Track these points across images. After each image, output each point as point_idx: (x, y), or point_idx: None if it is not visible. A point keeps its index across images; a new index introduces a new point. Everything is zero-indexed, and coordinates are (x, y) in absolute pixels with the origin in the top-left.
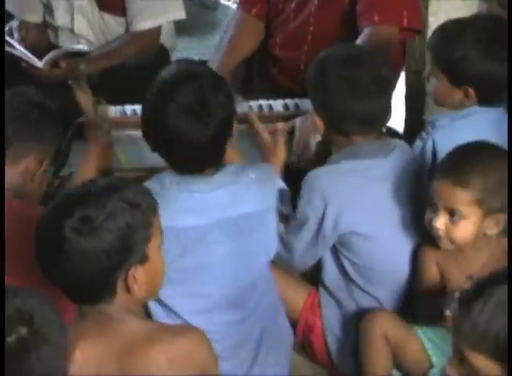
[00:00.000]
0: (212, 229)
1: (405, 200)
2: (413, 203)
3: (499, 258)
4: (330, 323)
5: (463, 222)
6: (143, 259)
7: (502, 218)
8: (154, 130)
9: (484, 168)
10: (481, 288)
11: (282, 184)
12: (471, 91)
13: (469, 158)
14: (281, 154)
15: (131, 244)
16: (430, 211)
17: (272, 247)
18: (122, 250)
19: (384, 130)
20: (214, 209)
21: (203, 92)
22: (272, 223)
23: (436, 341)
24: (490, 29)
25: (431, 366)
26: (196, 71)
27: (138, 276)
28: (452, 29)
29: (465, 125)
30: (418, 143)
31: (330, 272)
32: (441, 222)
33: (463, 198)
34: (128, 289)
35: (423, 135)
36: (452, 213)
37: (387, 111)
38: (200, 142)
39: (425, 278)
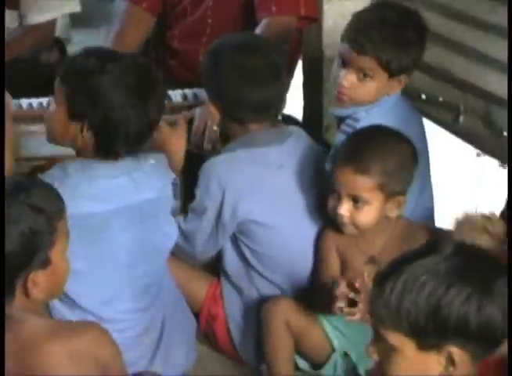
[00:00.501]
0: (116, 216)
1: (304, 187)
2: (313, 189)
3: (398, 239)
4: (233, 312)
5: (366, 208)
6: (45, 264)
7: (403, 199)
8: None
9: (383, 153)
10: (392, 268)
11: (173, 176)
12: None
13: (367, 144)
14: (181, 145)
15: (33, 250)
16: (333, 199)
17: (174, 233)
18: (23, 255)
19: (280, 117)
20: (118, 196)
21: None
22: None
23: (338, 327)
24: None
25: (333, 350)
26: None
27: (39, 280)
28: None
29: (378, 113)
30: (341, 137)
31: (231, 260)
32: (345, 209)
33: (365, 184)
34: (26, 292)
35: (345, 128)
36: (355, 199)
37: (281, 99)
38: (139, 128)
39: (325, 265)
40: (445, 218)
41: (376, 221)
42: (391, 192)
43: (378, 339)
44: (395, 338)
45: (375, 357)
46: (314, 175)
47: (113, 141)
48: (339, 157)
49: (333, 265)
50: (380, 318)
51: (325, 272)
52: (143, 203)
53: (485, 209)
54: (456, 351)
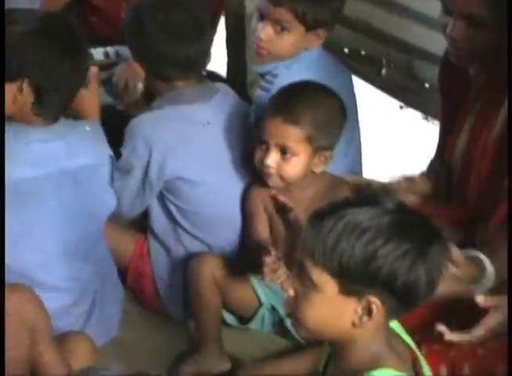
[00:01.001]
0: (49, 181)
1: (232, 143)
2: (241, 146)
3: (323, 195)
4: (160, 269)
5: (293, 159)
6: None
7: (330, 155)
8: None
9: (313, 106)
10: (335, 208)
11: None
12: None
13: (299, 96)
14: (94, 104)
15: None
16: (260, 150)
17: (111, 202)
18: None
19: (205, 74)
20: (52, 160)
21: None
22: (109, 179)
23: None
24: None
25: (260, 304)
26: None
27: None
28: None
29: (300, 69)
30: (260, 93)
31: (158, 218)
32: (272, 160)
33: (294, 135)
34: None
35: (265, 84)
36: (283, 150)
37: (205, 54)
38: (70, 86)
39: (254, 224)
40: (369, 171)
41: (302, 174)
42: (319, 146)
43: (300, 274)
44: (320, 276)
45: (290, 292)
46: (241, 131)
47: (50, 98)
48: (269, 107)
49: (262, 223)
50: (310, 252)
51: (254, 233)
52: (78, 169)
53: (408, 160)
54: (375, 302)
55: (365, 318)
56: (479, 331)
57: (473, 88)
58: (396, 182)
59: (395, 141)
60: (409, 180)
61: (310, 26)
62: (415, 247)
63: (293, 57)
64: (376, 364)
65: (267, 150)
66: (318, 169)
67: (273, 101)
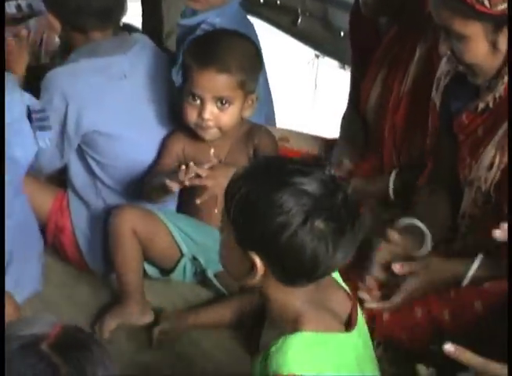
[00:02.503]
0: None
1: (151, 96)
2: (161, 99)
3: (242, 141)
4: (80, 224)
5: (230, 108)
6: None
7: (255, 98)
8: None
9: (238, 51)
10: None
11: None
12: None
13: (222, 44)
14: (22, 58)
15: None
16: (193, 106)
17: (30, 148)
18: None
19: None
20: None
21: None
22: (28, 132)
23: (186, 231)
24: None
25: (182, 255)
26: None
27: None
28: None
29: (230, 19)
30: None
31: (77, 173)
32: (210, 113)
33: (229, 83)
34: None
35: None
36: (220, 101)
37: (121, 4)
38: None
39: (166, 155)
40: (283, 119)
41: (237, 121)
42: (248, 90)
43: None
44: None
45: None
46: (162, 84)
47: None
48: (192, 61)
49: (170, 159)
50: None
51: (162, 171)
52: None
53: (324, 109)
54: (256, 259)
55: (254, 272)
56: (397, 298)
57: (384, 39)
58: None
59: (312, 90)
60: (336, 165)
61: None
62: (299, 217)
63: (222, 6)
64: (296, 327)
65: (202, 104)
66: (246, 114)
67: (195, 53)
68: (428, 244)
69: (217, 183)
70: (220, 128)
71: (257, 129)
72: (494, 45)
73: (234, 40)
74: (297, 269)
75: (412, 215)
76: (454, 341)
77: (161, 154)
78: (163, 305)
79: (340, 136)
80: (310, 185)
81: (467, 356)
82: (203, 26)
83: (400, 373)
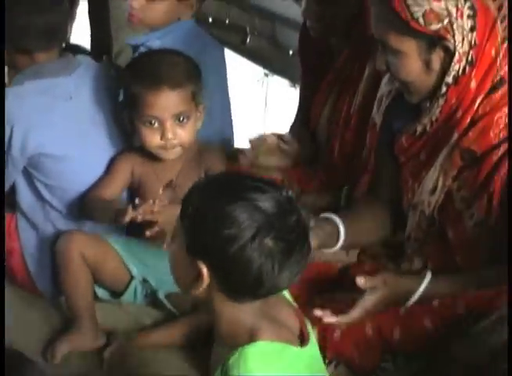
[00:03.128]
0: None
1: (97, 117)
2: (108, 119)
3: (194, 161)
4: (29, 247)
5: (189, 123)
6: None
7: (203, 108)
8: None
9: (182, 64)
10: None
11: None
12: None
13: (166, 60)
14: None
15: None
16: (151, 129)
17: None
18: None
19: (68, 47)
20: None
21: None
22: None
23: (135, 253)
24: None
25: (132, 277)
26: None
27: None
28: None
29: (173, 40)
30: None
31: (24, 195)
32: (172, 132)
33: (184, 98)
34: None
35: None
36: (178, 118)
37: (65, 24)
38: None
39: (111, 178)
40: (236, 139)
41: (195, 135)
42: (198, 101)
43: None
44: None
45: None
46: (108, 104)
47: None
48: (140, 87)
49: (119, 182)
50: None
51: (108, 188)
52: None
53: (274, 127)
54: (203, 268)
55: (200, 281)
56: (356, 313)
57: (337, 61)
58: (266, 138)
59: (263, 108)
60: (279, 138)
61: None
62: (249, 232)
63: (166, 28)
64: (252, 338)
65: (162, 125)
66: (198, 125)
67: (141, 78)
68: (342, 237)
69: (167, 220)
70: (182, 145)
71: (208, 150)
72: (427, 64)
73: (173, 55)
74: (242, 283)
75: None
76: (406, 358)
77: (109, 175)
78: (114, 326)
79: None
80: (265, 202)
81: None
82: (142, 48)
83: None
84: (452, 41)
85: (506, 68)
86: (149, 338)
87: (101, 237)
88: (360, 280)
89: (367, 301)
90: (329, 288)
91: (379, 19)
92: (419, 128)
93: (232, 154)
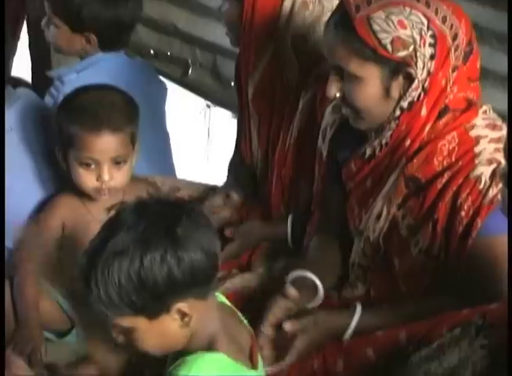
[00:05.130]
0: None
1: (34, 150)
2: (45, 153)
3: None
4: None
5: (125, 167)
6: None
7: (138, 147)
8: None
9: (120, 104)
10: (88, 262)
11: None
12: (93, 37)
13: (103, 100)
14: None
15: None
16: (87, 170)
17: None
18: None
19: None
20: None
21: None
22: None
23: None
24: None
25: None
26: None
27: None
28: None
29: (92, 74)
30: (48, 100)
31: None
32: (109, 175)
33: (123, 141)
34: None
35: (52, 90)
36: (116, 162)
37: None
38: None
39: (46, 229)
40: (177, 170)
41: (130, 176)
42: (134, 140)
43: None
44: (128, 321)
45: (121, 339)
46: (46, 138)
47: None
48: (78, 128)
49: (52, 232)
50: (103, 311)
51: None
52: None
53: (215, 158)
54: (180, 305)
55: (186, 320)
56: (291, 358)
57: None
58: (212, 199)
59: (205, 140)
60: (223, 196)
61: (71, 27)
62: (167, 245)
63: (87, 61)
64: (211, 347)
65: (99, 167)
66: (134, 162)
67: (78, 119)
68: (320, 295)
69: None
70: (117, 187)
71: (142, 184)
72: (387, 91)
73: (110, 94)
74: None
75: (303, 264)
76: None
77: (40, 223)
78: (55, 359)
79: (228, 179)
80: None
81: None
82: (56, 82)
83: None
84: (415, 68)
85: (451, 97)
86: (89, 367)
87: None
88: (286, 326)
89: (299, 344)
90: None
91: (339, 45)
92: (368, 151)
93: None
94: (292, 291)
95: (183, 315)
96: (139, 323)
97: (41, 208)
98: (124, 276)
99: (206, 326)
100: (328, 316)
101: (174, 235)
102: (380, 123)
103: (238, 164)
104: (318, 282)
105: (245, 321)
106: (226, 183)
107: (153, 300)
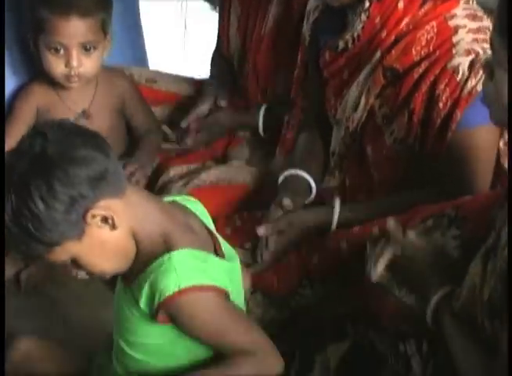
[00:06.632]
0: None
1: (9, 36)
2: (19, 39)
3: (104, 87)
4: None
5: (95, 53)
6: None
7: (110, 38)
8: None
9: None
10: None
11: None
12: None
13: None
14: None
15: None
16: (55, 56)
17: None
18: None
19: None
20: None
21: None
22: None
23: None
24: None
25: None
26: None
27: None
28: None
29: None
30: None
31: None
32: (77, 60)
33: (92, 26)
34: None
35: None
36: (85, 47)
37: None
38: None
39: (15, 117)
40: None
41: (100, 65)
42: (107, 30)
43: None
44: (62, 253)
45: (82, 274)
46: (19, 24)
47: None
48: (48, 12)
49: (22, 126)
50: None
51: (13, 137)
52: None
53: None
54: (92, 211)
55: (110, 221)
56: (267, 258)
57: None
58: (201, 106)
59: (182, 31)
60: (212, 102)
61: None
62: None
63: None
64: (168, 249)
65: (68, 53)
66: (105, 55)
67: (49, 3)
68: (313, 192)
69: None
70: (86, 75)
71: (119, 76)
72: None
73: None
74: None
75: (291, 160)
76: (322, 285)
77: (12, 119)
78: None
79: (211, 76)
80: None
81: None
82: None
83: (266, 314)
84: None
85: None
86: None
87: None
88: (259, 230)
89: (277, 245)
90: (247, 207)
91: None
92: (341, 44)
93: None
94: (287, 202)
95: (104, 218)
96: (73, 249)
97: (15, 96)
98: (25, 214)
99: (146, 222)
100: (304, 214)
101: (50, 157)
102: (350, 5)
103: (219, 57)
104: (311, 180)
105: (210, 223)
106: (210, 76)
107: (66, 222)
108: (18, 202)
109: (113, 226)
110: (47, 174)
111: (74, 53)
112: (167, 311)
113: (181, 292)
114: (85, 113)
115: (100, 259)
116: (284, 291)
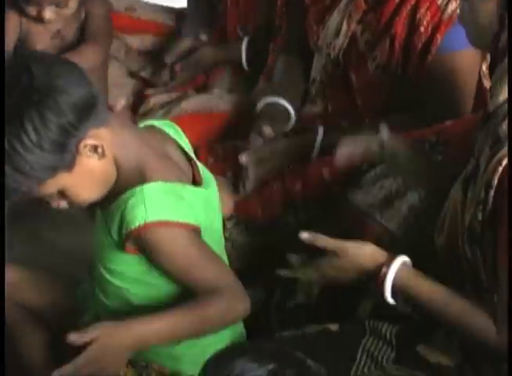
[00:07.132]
0: None
1: None
2: None
3: (76, 11)
4: None
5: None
6: None
7: None
8: None
9: None
10: None
11: None
12: None
13: None
14: None
15: None
16: (32, 6)
17: None
18: None
19: None
20: None
21: None
22: None
23: None
24: None
25: None
26: None
27: None
28: None
29: None
30: None
31: None
32: (50, 12)
33: None
34: None
35: None
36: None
37: None
38: None
39: None
40: None
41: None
42: None
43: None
44: (52, 185)
45: (63, 204)
46: None
47: None
48: None
49: (12, 36)
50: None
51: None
52: None
53: None
54: (84, 141)
55: (100, 151)
56: (250, 186)
57: None
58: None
59: None
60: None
61: None
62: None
63: None
64: (142, 180)
65: (40, 6)
66: None
67: None
68: (293, 118)
69: None
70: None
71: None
72: None
73: None
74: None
75: (270, 86)
76: (305, 212)
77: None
78: None
79: (189, 5)
80: None
81: (322, 240)
82: None
83: (249, 242)
84: None
85: None
86: None
87: None
88: (242, 158)
89: (259, 174)
90: (230, 136)
91: None
92: None
93: None
94: (267, 130)
95: (94, 147)
96: (63, 180)
97: None
98: (19, 147)
99: (126, 151)
100: (287, 143)
101: (38, 88)
102: None
103: None
104: (290, 107)
105: (185, 145)
106: (188, 5)
107: (59, 152)
108: (11, 137)
109: (103, 155)
110: (38, 104)
111: (45, 5)
112: (134, 242)
113: (146, 226)
114: (59, 35)
115: (86, 189)
116: (267, 217)
